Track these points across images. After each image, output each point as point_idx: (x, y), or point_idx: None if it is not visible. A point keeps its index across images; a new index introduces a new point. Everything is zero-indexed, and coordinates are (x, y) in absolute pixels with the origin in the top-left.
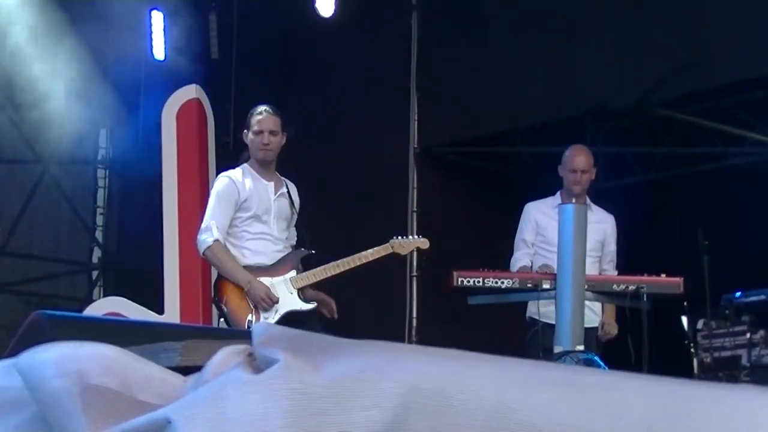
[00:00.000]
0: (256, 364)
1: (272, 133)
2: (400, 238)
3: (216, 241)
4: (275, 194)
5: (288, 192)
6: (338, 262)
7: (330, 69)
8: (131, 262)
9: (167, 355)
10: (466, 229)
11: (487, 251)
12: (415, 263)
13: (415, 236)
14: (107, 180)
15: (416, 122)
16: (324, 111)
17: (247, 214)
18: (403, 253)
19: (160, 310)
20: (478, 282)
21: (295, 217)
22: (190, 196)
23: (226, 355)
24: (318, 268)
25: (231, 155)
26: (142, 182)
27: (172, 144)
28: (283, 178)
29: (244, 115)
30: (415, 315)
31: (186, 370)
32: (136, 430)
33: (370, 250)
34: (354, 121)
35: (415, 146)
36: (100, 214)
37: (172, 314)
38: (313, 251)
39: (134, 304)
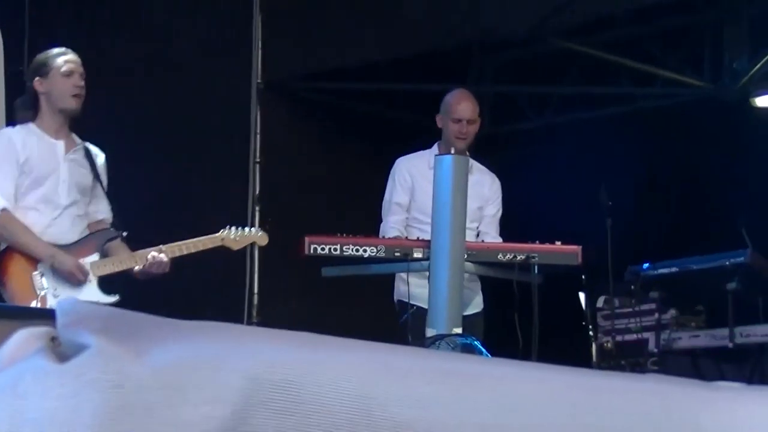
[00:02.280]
0: (62, 351)
1: (82, 76)
2: (233, 229)
3: (3, 210)
4: (65, 154)
5: (88, 155)
6: (152, 249)
7: None
8: None
9: None
10: (321, 185)
11: (349, 213)
12: (256, 225)
13: (254, 229)
14: None
15: (260, 50)
16: (143, 39)
17: (28, 180)
18: (234, 248)
19: None
20: (335, 250)
21: (100, 187)
22: None
23: (23, 338)
24: (127, 255)
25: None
26: None
27: None
28: (84, 142)
29: (42, 37)
30: (256, 290)
31: None
32: None
33: (193, 240)
34: (180, 52)
35: (259, 81)
36: None
37: None
38: (125, 233)
39: None
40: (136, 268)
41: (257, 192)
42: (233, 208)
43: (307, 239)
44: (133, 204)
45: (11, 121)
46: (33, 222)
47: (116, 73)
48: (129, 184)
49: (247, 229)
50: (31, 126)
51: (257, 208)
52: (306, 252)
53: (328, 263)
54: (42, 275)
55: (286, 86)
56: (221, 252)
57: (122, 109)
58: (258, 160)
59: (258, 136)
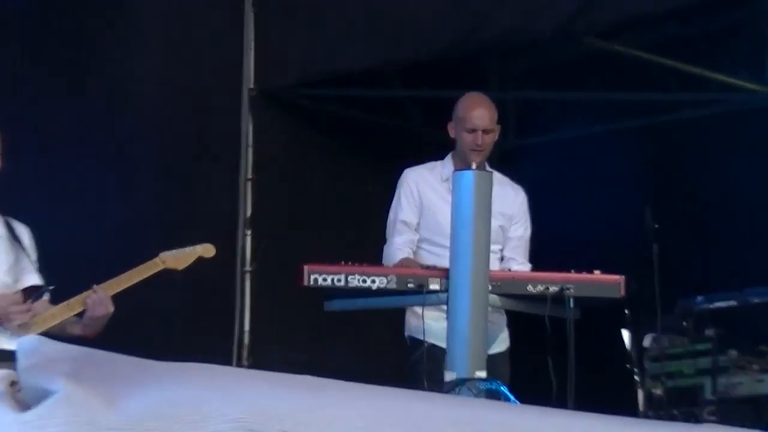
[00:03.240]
0: (22, 397)
1: None
2: (171, 251)
3: None
4: None
5: (11, 231)
6: (86, 293)
7: None
8: None
9: None
10: (323, 206)
11: (355, 237)
12: (248, 253)
13: (196, 245)
14: None
15: (252, 53)
16: (115, 41)
17: None
18: (180, 267)
19: None
20: (339, 280)
21: (27, 261)
22: None
23: None
24: (61, 305)
25: None
26: None
27: None
28: (6, 217)
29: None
30: (247, 327)
31: None
32: None
33: (131, 271)
34: (161, 56)
35: (251, 87)
36: None
37: None
38: (51, 287)
39: None
40: (78, 328)
41: (249, 214)
42: (222, 232)
43: (306, 268)
44: (110, 226)
45: None
46: None
47: (101, 81)
48: (104, 204)
49: (188, 247)
50: None
51: (249, 233)
52: (305, 283)
53: (330, 296)
54: None
55: (282, 94)
56: (207, 284)
57: (101, 119)
58: (250, 177)
59: (250, 150)
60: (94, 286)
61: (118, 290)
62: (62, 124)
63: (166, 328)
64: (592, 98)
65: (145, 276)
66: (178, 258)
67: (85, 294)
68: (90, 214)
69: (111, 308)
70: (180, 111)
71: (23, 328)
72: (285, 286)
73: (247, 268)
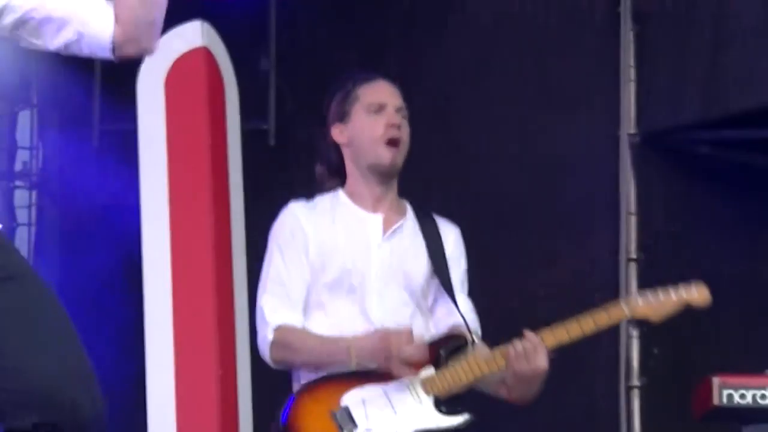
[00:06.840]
0: None
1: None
2: (644, 294)
3: (277, 329)
4: (384, 234)
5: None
6: (514, 343)
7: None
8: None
9: None
10: (726, 294)
11: None
12: (635, 358)
13: (680, 287)
14: (33, 205)
15: (633, 84)
16: (465, 77)
17: (327, 278)
18: (654, 318)
19: None
20: (764, 397)
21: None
22: (191, 221)
23: None
24: (472, 359)
25: (272, 155)
26: (97, 208)
27: (156, 136)
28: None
29: (293, 76)
30: None
31: None
32: None
33: (586, 315)
34: (523, 108)
35: (631, 132)
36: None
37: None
38: (476, 335)
39: None
40: (503, 389)
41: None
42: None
43: (715, 380)
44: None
45: None
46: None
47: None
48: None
49: (667, 289)
50: (341, 192)
51: (635, 334)
52: (715, 402)
53: (750, 418)
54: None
55: (673, 138)
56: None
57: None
58: (633, 256)
59: (633, 218)
60: (525, 332)
61: (561, 342)
62: None
63: None
64: None
65: (603, 325)
66: (651, 304)
67: (511, 345)
68: None
69: (542, 364)
70: (543, 170)
71: (427, 384)
72: (681, 403)
73: (633, 383)
